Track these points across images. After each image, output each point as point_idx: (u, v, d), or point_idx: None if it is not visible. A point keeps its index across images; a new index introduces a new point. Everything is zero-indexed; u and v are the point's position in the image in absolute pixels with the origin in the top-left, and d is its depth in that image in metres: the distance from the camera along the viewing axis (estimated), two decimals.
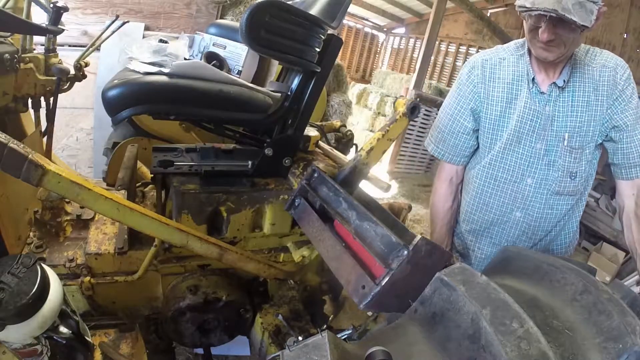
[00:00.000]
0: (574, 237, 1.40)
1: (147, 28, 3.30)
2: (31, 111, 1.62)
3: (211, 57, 2.23)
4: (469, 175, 1.41)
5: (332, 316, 1.55)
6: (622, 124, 1.19)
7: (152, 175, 1.33)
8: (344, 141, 1.94)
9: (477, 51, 7.42)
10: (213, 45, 2.47)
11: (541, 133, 1.22)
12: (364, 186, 1.21)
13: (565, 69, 1.18)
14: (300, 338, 0.81)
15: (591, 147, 1.22)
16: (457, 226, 1.51)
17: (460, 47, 8.12)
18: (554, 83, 1.19)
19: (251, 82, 1.23)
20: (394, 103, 1.25)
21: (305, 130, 1.34)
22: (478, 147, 1.37)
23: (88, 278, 1.16)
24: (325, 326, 1.36)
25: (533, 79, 1.21)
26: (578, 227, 1.39)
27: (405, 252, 0.74)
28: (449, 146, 1.38)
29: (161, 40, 1.22)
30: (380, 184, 1.42)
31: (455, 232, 1.52)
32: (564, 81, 1.18)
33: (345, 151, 1.90)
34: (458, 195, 1.47)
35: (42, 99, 1.60)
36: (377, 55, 11.23)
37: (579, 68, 1.20)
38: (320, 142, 1.50)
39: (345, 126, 1.97)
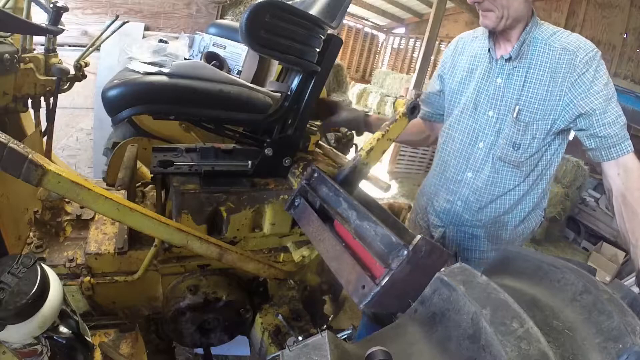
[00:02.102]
0: (529, 220, 1.42)
1: (147, 28, 3.30)
2: (31, 111, 1.62)
3: (211, 57, 2.23)
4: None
5: (332, 316, 1.55)
6: (588, 109, 1.18)
7: (152, 175, 1.33)
8: (344, 141, 1.94)
9: None
10: (213, 45, 2.46)
11: (492, 102, 1.30)
12: (364, 186, 1.21)
13: (516, 45, 1.23)
14: (300, 338, 0.81)
15: (539, 125, 1.24)
16: (420, 198, 1.61)
17: None
18: (502, 56, 1.26)
19: (251, 82, 1.23)
20: (394, 103, 1.26)
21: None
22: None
23: (88, 278, 1.16)
24: (325, 326, 1.36)
25: (489, 50, 1.30)
26: (536, 211, 1.42)
27: (405, 252, 0.74)
28: (427, 104, 1.56)
29: (161, 40, 1.22)
30: (380, 184, 1.42)
31: (418, 205, 1.62)
32: (511, 55, 1.24)
33: (345, 151, 1.90)
34: (423, 136, 1.64)
35: (42, 99, 1.60)
36: (377, 55, 11.23)
37: (539, 47, 1.22)
38: (320, 142, 1.50)
39: None
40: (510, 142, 1.28)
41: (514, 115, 1.25)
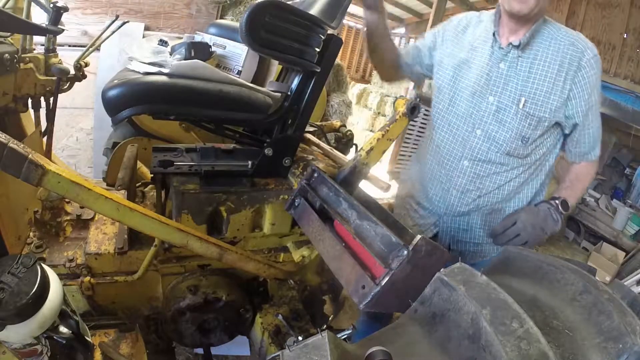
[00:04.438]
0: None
1: (147, 28, 3.30)
2: (31, 111, 1.62)
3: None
4: (431, 118, 1.49)
5: (332, 316, 1.55)
6: (573, 113, 1.24)
7: (152, 175, 1.33)
8: (344, 141, 1.94)
9: None
10: (213, 45, 2.47)
11: (493, 88, 1.27)
12: (364, 186, 1.21)
13: (527, 33, 1.22)
14: (300, 338, 0.81)
15: (549, 121, 1.25)
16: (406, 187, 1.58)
17: None
18: (511, 43, 1.24)
19: (251, 82, 1.23)
20: (394, 103, 1.25)
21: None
22: (438, 91, 1.45)
23: (88, 278, 1.16)
24: (325, 326, 1.36)
25: (494, 33, 1.27)
26: (535, 202, 1.42)
27: (405, 252, 0.74)
28: (410, 55, 1.55)
29: (161, 41, 1.22)
30: (380, 184, 1.42)
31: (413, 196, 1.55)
32: (521, 42, 1.22)
33: (345, 151, 1.90)
34: (393, 68, 1.58)
35: (42, 99, 1.60)
36: None
37: (546, 40, 1.23)
38: (320, 142, 1.50)
39: (345, 126, 1.97)
40: (518, 136, 1.27)
41: (520, 106, 1.24)
